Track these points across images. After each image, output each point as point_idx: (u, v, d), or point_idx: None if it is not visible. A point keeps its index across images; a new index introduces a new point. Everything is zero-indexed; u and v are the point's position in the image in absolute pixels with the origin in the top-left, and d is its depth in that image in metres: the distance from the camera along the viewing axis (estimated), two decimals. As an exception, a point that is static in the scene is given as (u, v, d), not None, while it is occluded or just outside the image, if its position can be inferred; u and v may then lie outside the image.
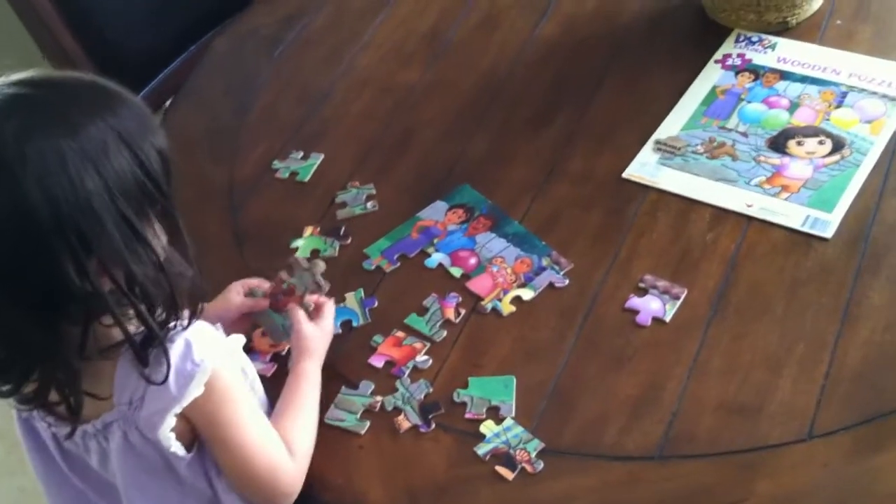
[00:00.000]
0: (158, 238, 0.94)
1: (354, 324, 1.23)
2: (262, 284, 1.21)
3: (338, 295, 1.24)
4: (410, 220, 1.33)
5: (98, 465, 1.02)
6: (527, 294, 1.22)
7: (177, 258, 0.97)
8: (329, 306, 1.18)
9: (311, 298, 1.19)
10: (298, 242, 1.34)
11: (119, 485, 1.02)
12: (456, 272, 1.26)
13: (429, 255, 1.29)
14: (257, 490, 1.04)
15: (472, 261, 1.27)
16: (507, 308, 1.21)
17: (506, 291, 1.23)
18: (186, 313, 0.96)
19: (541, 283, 1.23)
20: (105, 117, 0.88)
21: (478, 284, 1.24)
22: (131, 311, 0.91)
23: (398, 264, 1.29)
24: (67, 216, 0.85)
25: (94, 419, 0.97)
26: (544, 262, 1.25)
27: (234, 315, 1.19)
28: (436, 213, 1.34)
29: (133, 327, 0.93)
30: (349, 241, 1.33)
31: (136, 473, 1.00)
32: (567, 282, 1.23)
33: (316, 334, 1.15)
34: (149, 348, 0.93)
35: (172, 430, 0.96)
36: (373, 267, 1.29)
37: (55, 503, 1.10)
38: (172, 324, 0.95)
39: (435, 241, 1.30)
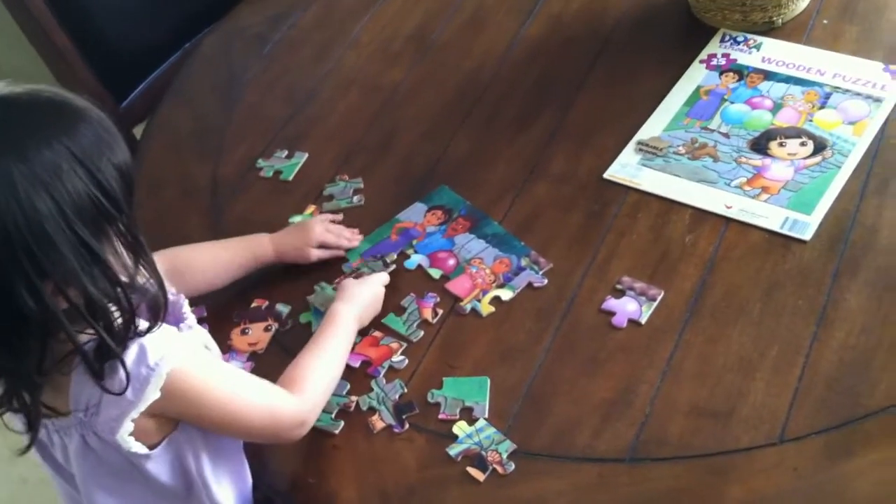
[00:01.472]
0: (119, 256, 0.93)
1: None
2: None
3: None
4: (389, 223, 1.33)
5: (62, 460, 1.03)
6: (506, 294, 1.22)
7: (140, 274, 0.96)
8: (377, 274, 1.24)
9: None
10: (296, 218, 1.36)
11: (78, 483, 1.02)
12: (435, 273, 1.26)
13: (408, 257, 1.29)
14: (264, 438, 1.08)
15: (451, 262, 1.27)
16: (486, 308, 1.21)
17: (485, 292, 1.23)
18: (145, 325, 0.96)
19: (520, 283, 1.23)
20: (60, 138, 0.87)
21: (457, 285, 1.24)
22: (87, 330, 0.91)
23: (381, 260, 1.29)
24: (18, 241, 0.84)
25: (54, 418, 0.98)
26: (523, 262, 1.25)
27: (303, 257, 1.27)
28: (415, 214, 1.34)
29: (87, 335, 0.92)
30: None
31: (98, 475, 1.00)
32: (546, 282, 1.23)
33: (354, 282, 1.20)
34: (104, 360, 0.92)
35: (131, 433, 0.96)
36: (352, 269, 1.29)
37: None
38: (129, 339, 0.94)
39: (414, 242, 1.30)
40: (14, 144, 0.86)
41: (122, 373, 0.93)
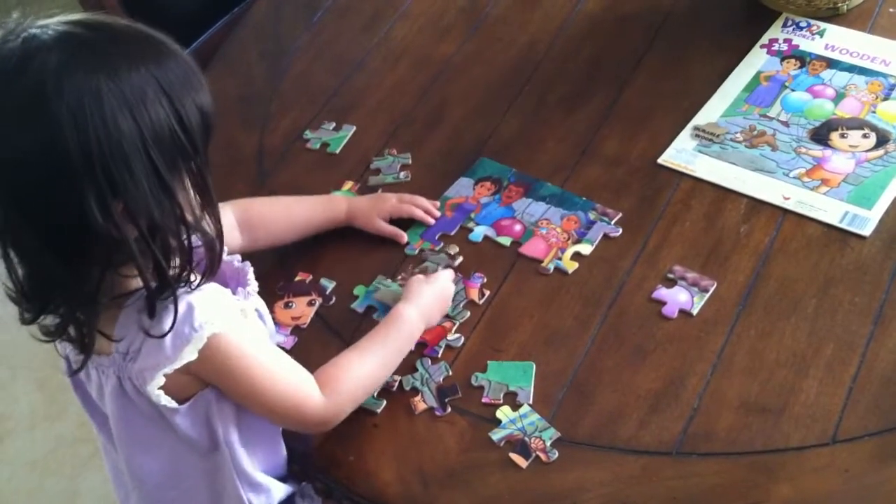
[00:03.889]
0: (187, 193, 0.94)
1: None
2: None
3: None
4: (440, 201, 1.31)
5: (96, 397, 1.03)
6: (585, 248, 1.22)
7: (203, 216, 0.97)
8: (445, 272, 1.20)
9: None
10: (336, 194, 1.34)
11: (112, 423, 1.03)
12: (505, 241, 1.25)
13: (471, 231, 1.27)
14: (284, 425, 1.08)
15: (517, 227, 1.26)
16: (570, 265, 1.21)
17: (562, 250, 1.22)
18: (198, 274, 0.96)
19: (595, 235, 1.23)
20: (149, 66, 0.89)
21: (531, 248, 1.23)
22: (149, 262, 0.91)
23: (441, 244, 1.26)
24: (97, 155, 0.85)
25: (95, 354, 0.98)
26: (591, 215, 1.25)
27: (370, 225, 1.27)
28: (463, 189, 1.32)
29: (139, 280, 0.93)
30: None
31: (130, 416, 1.01)
32: (620, 231, 1.23)
33: (420, 281, 1.17)
34: (156, 301, 0.93)
35: (161, 387, 0.96)
36: (416, 252, 1.26)
37: None
38: (183, 281, 0.95)
39: (472, 215, 1.28)
40: (106, 63, 0.87)
41: (166, 322, 0.93)
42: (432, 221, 1.28)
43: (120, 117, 0.86)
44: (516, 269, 1.22)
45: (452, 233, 1.27)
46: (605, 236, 1.23)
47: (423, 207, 1.29)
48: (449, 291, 1.18)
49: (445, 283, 1.18)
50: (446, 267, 1.22)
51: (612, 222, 1.24)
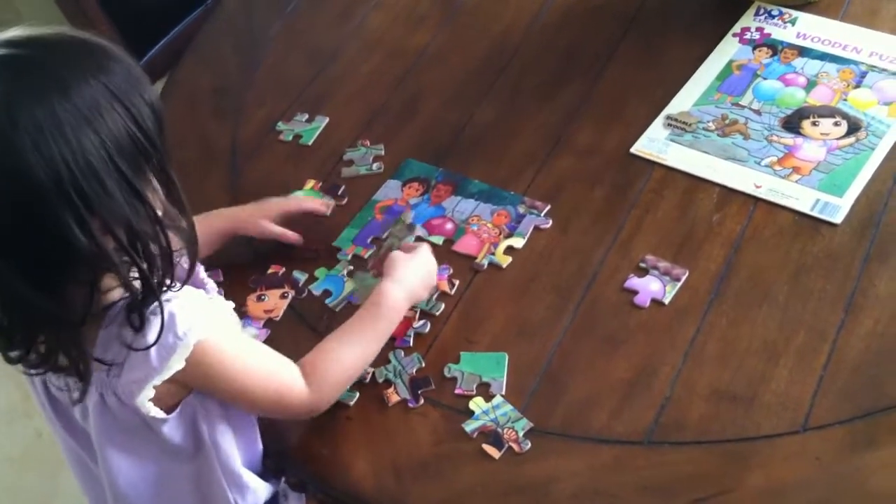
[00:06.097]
0: (156, 193, 0.94)
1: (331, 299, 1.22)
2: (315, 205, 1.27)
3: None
4: (369, 204, 1.31)
5: (79, 416, 1.03)
6: (517, 242, 1.22)
7: (173, 212, 0.96)
8: (423, 246, 1.18)
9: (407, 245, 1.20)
10: (297, 194, 1.33)
11: (94, 439, 1.02)
12: (437, 240, 1.25)
13: (403, 232, 1.27)
14: (271, 414, 1.08)
15: (448, 226, 1.26)
16: (503, 259, 1.21)
17: (495, 245, 1.22)
18: (177, 277, 0.95)
19: (526, 228, 1.23)
20: (96, 75, 0.88)
21: (464, 245, 1.24)
22: (132, 272, 0.90)
23: (374, 247, 1.26)
24: (68, 178, 0.84)
25: (73, 377, 0.97)
26: (521, 209, 1.26)
27: (259, 230, 1.24)
28: (391, 192, 1.32)
29: (120, 292, 0.93)
30: (345, 201, 1.32)
31: (112, 432, 1.00)
32: (550, 222, 1.23)
33: (402, 258, 1.15)
34: (142, 310, 0.92)
35: (151, 399, 0.96)
36: (349, 257, 1.26)
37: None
38: (167, 286, 0.94)
39: (402, 217, 1.29)
40: (55, 82, 0.86)
41: (148, 334, 0.92)
42: (327, 212, 1.27)
43: (82, 136, 0.85)
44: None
45: (384, 236, 1.27)
46: (536, 228, 1.23)
47: (311, 205, 1.27)
48: (432, 265, 1.17)
49: (427, 258, 1.17)
50: (406, 237, 1.23)
51: (542, 214, 1.24)
